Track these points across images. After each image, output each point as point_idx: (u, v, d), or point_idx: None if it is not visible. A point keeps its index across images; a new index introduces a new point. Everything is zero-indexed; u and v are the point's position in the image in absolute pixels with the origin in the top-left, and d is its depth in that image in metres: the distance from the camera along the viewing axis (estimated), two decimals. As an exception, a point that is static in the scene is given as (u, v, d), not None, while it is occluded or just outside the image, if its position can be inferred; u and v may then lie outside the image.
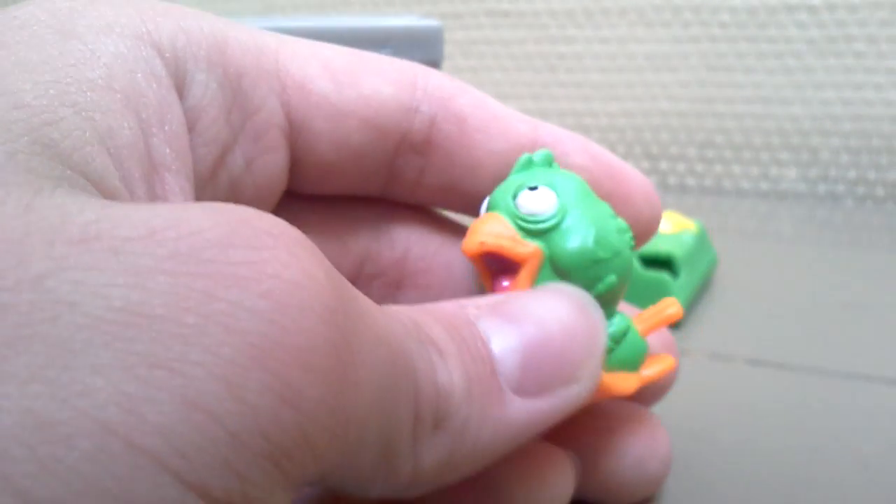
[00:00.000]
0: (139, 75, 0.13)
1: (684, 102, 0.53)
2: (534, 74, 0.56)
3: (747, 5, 0.50)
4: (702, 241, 0.35)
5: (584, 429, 0.17)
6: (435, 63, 0.26)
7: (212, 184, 0.15)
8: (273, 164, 0.16)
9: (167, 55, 0.14)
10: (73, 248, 0.09)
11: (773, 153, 0.52)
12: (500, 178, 0.16)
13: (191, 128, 0.14)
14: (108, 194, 0.11)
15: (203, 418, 0.09)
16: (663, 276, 0.31)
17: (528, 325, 0.13)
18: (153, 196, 0.13)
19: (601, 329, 0.14)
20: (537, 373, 0.13)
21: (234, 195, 0.16)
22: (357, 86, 0.16)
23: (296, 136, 0.16)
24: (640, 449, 0.17)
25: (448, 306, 0.14)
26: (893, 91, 0.48)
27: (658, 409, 0.25)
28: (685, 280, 0.32)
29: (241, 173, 0.15)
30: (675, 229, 0.34)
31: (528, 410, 0.13)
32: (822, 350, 0.29)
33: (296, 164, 0.16)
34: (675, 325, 0.31)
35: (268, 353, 0.09)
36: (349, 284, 0.11)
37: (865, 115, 0.49)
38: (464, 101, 0.16)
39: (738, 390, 0.26)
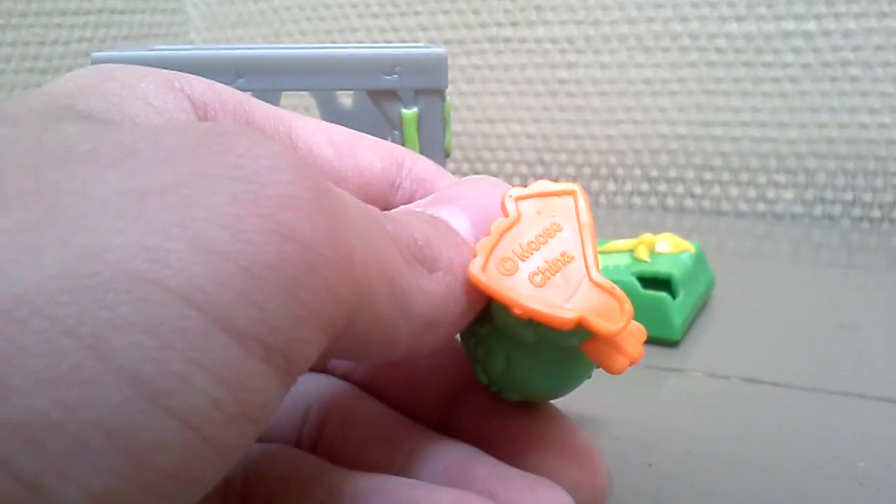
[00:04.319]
0: (170, 104, 0.15)
1: (682, 126, 0.54)
2: (535, 99, 0.57)
3: (744, 31, 0.50)
4: (700, 261, 0.35)
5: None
6: (440, 88, 0.26)
7: None
8: None
9: (196, 102, 0.16)
10: (78, 167, 0.11)
11: (771, 175, 0.53)
12: None
13: None
14: (108, 122, 0.13)
15: (218, 259, 0.10)
16: (662, 296, 0.31)
17: (463, 200, 0.16)
18: None
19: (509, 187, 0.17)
20: (485, 228, 0.16)
21: None
22: (354, 157, 0.18)
23: None
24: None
25: (394, 209, 0.16)
26: (888, 114, 0.49)
27: (656, 426, 0.26)
28: (683, 300, 0.32)
29: None
30: (673, 250, 0.35)
31: None
32: (817, 369, 0.29)
33: None
34: (673, 345, 0.32)
35: (255, 203, 0.11)
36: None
37: (861, 138, 0.50)
38: (441, 185, 0.19)
39: (735, 408, 0.27)
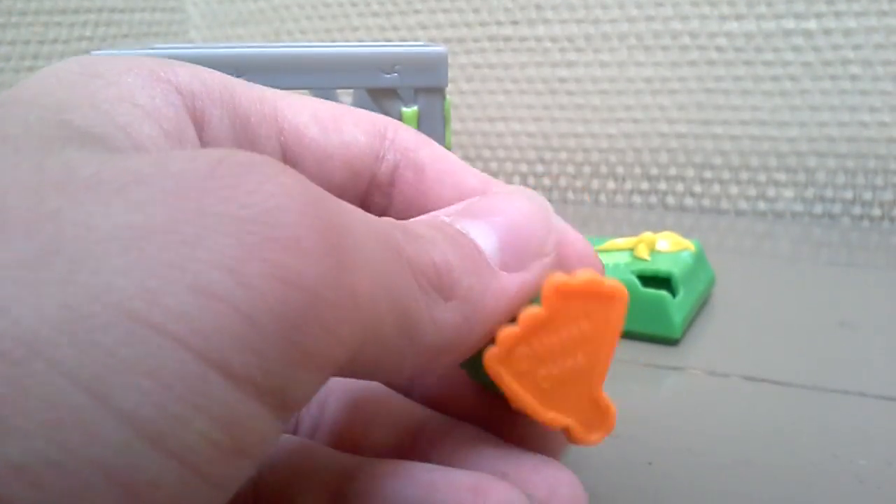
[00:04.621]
0: (157, 100, 0.15)
1: (682, 124, 0.54)
2: (535, 97, 0.57)
3: (744, 30, 0.51)
4: (700, 260, 0.35)
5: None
6: (440, 87, 0.26)
7: None
8: None
9: (183, 91, 0.16)
10: (81, 193, 0.11)
11: (770, 174, 0.53)
12: None
13: None
14: (112, 149, 0.13)
15: (218, 304, 0.10)
16: (662, 294, 0.31)
17: (495, 217, 0.16)
18: None
19: (552, 211, 0.17)
20: (513, 250, 0.16)
21: None
22: (339, 133, 0.18)
23: None
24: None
25: (423, 217, 0.16)
26: (888, 113, 0.49)
27: (656, 424, 0.26)
28: (683, 298, 0.32)
29: None
30: (673, 249, 0.35)
31: (515, 282, 0.15)
32: (817, 367, 0.29)
33: None
34: (673, 343, 0.32)
35: (260, 246, 0.11)
36: (323, 190, 0.13)
37: (861, 136, 0.50)
38: (424, 153, 0.19)
39: (735, 406, 0.27)
